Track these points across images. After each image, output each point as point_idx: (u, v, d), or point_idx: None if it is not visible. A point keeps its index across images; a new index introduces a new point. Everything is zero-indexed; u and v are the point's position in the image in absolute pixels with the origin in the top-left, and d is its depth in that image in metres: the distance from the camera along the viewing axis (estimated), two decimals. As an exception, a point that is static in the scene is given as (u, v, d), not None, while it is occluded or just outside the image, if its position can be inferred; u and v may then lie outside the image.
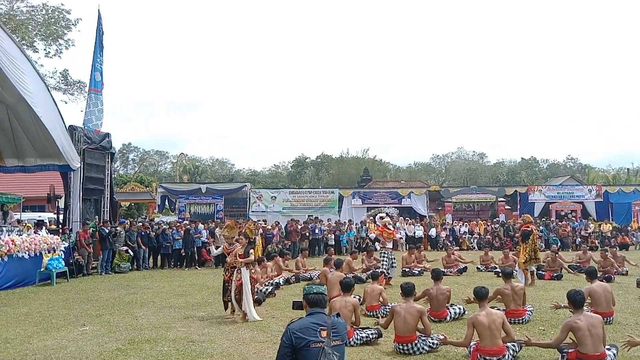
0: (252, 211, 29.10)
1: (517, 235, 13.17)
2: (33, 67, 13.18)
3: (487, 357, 5.80)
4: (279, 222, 22.76)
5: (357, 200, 30.23)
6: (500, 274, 12.75)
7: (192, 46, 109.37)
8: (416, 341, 6.34)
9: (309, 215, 25.55)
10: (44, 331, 7.74)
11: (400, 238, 21.87)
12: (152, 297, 11.03)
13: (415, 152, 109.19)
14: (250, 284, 8.46)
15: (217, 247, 10.24)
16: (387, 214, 12.58)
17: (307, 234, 21.07)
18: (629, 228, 26.17)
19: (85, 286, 12.83)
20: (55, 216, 19.49)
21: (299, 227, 21.27)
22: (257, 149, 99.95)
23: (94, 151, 17.45)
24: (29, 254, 12.63)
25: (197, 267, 17.16)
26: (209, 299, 10.63)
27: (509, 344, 5.93)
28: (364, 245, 20.43)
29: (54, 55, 24.15)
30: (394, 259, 12.10)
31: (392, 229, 12.76)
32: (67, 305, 9.87)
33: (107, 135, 18.26)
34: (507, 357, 5.82)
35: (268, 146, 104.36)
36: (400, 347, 6.36)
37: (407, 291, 6.76)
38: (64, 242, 14.42)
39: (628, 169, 49.99)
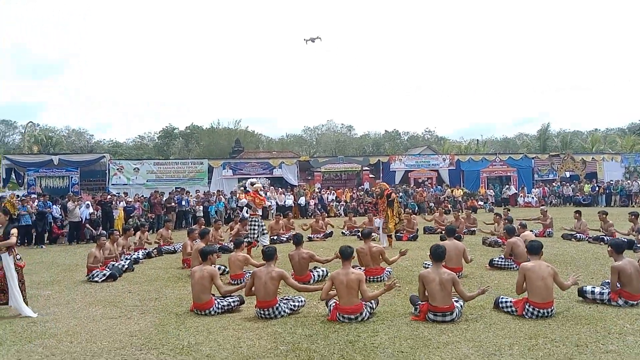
0: (113, 184, 27.18)
1: (376, 199, 13.76)
2: None
3: (346, 315, 5.97)
4: (142, 195, 21.53)
5: (228, 171, 29.68)
6: (360, 236, 13.40)
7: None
8: (277, 305, 6.31)
9: (175, 187, 24.54)
10: None
11: (270, 206, 21.99)
12: (-11, 278, 9.79)
13: (287, 124, 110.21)
14: (17, 273, 6.76)
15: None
16: (252, 183, 12.17)
17: (173, 206, 20.22)
18: (477, 193, 29.05)
19: None
20: None
21: (164, 199, 20.34)
22: (119, 120, 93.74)
23: None
24: None
25: (42, 245, 15.61)
26: (58, 277, 9.73)
27: (366, 303, 6.13)
28: (233, 216, 20.18)
29: None
30: (264, 226, 11.99)
31: (263, 195, 12.50)
32: None
33: None
34: (364, 314, 6.03)
35: (132, 117, 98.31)
36: (262, 312, 6.28)
37: (268, 255, 6.68)
38: None
39: (477, 140, 55.15)
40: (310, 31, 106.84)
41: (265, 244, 10.92)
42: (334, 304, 6.15)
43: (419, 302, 6.18)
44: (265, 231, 11.74)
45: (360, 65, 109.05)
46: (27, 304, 6.81)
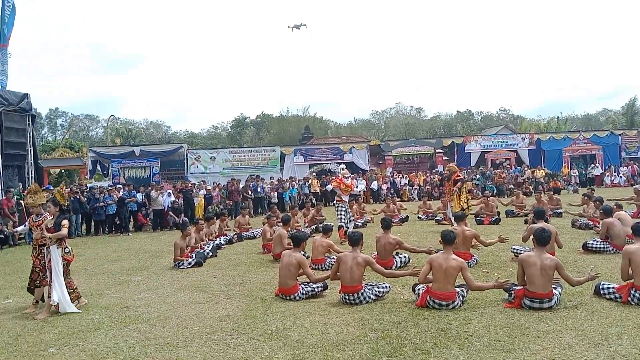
0: (191, 173, 28.20)
1: (443, 181, 13.38)
2: None
3: (437, 301, 5.75)
4: (219, 183, 22.15)
5: (299, 158, 29.91)
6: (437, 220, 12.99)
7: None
8: (362, 290, 6.19)
9: (250, 175, 25.05)
10: (-40, 306, 7.05)
11: (361, 191, 21.85)
12: (84, 264, 10.39)
13: (355, 109, 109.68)
14: (63, 267, 6.50)
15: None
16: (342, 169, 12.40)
17: (249, 193, 20.65)
18: (560, 173, 27.49)
19: (11, 257, 12.01)
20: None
21: (240, 186, 20.79)
22: (194, 111, 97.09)
23: (13, 113, 16.07)
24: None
25: (128, 233, 16.40)
26: (146, 263, 10.15)
27: (458, 290, 5.87)
28: (306, 202, 20.34)
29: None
30: (350, 212, 11.98)
31: (350, 181, 12.42)
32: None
33: (26, 95, 16.83)
34: (456, 302, 5.78)
35: (206, 107, 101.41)
36: (347, 297, 6.18)
37: (354, 240, 6.56)
38: (-16, 211, 13.31)
39: (558, 117, 52.14)
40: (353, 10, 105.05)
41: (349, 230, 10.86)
42: (424, 288, 5.94)
43: (514, 287, 5.86)
44: (351, 218, 11.73)
45: (429, 45, 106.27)
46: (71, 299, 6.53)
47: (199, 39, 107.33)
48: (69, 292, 6.49)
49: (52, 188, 16.70)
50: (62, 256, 6.47)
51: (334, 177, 12.04)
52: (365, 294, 6.19)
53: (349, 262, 6.25)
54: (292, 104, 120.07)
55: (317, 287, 6.66)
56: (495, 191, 22.90)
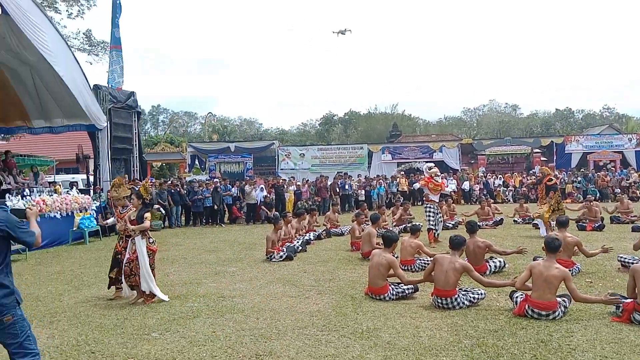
0: (281, 169, 28.96)
1: (536, 185, 12.50)
2: (52, 25, 12.91)
3: (536, 310, 5.46)
4: (307, 179, 22.53)
5: (387, 156, 29.69)
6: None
7: (215, 3, 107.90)
8: (456, 295, 6.00)
9: (338, 172, 25.23)
10: (75, 289, 7.72)
11: (452, 191, 21.14)
12: (184, 253, 11.00)
13: (445, 106, 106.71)
14: (149, 257, 6.68)
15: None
16: (429, 167, 11.63)
17: (337, 190, 20.82)
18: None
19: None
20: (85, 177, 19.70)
21: (329, 183, 21.02)
22: (284, 108, 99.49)
23: (120, 110, 17.32)
24: (60, 214, 12.72)
25: (221, 224, 17.14)
26: (240, 255, 10.54)
27: (560, 300, 5.54)
28: (394, 201, 20.14)
29: (76, 16, 23.84)
30: (439, 213, 11.39)
31: (440, 180, 11.90)
32: (98, 264, 9.88)
33: (132, 94, 18.07)
34: (557, 313, 5.46)
35: (295, 105, 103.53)
36: (439, 300, 6.02)
37: (456, 244, 6.36)
38: (94, 201, 14.51)
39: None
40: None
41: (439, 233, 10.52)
42: (522, 296, 5.66)
43: (623, 300, 5.41)
44: (441, 219, 11.24)
45: (524, 41, 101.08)
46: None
47: (289, 39, 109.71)
48: None
49: (153, 180, 17.80)
50: (147, 246, 6.69)
51: (426, 176, 11.46)
52: (459, 300, 6.00)
53: (445, 265, 6.08)
54: (379, 101, 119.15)
55: (408, 289, 6.56)
56: (598, 195, 21.39)
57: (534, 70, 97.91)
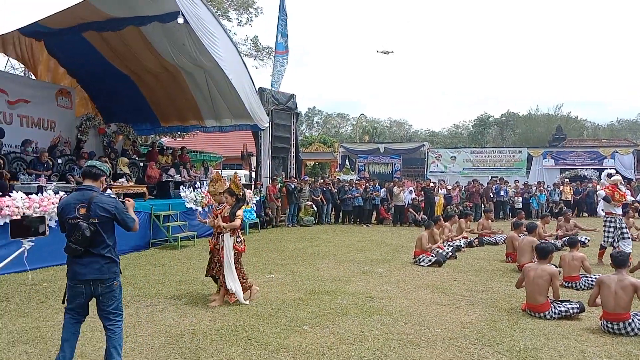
0: (430, 171, 28.36)
1: None
2: (225, 33, 14.10)
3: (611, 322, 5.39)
4: (459, 183, 21.75)
5: (549, 161, 27.45)
6: None
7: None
8: (630, 320, 5.33)
9: (492, 177, 23.96)
10: (235, 276, 8.32)
11: (636, 202, 18.88)
12: (333, 250, 11.31)
13: (619, 108, 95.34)
14: (234, 256, 6.47)
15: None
16: (609, 175, 10.05)
17: (491, 196, 19.80)
18: None
19: (273, 237, 13.70)
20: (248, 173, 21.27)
21: (482, 188, 20.07)
22: (435, 109, 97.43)
23: (281, 112, 18.38)
24: (225, 206, 13.85)
25: (367, 225, 17.29)
26: (387, 256, 10.53)
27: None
28: (556, 210, 18.59)
29: (245, 23, 25.76)
30: (625, 227, 9.69)
31: (624, 190, 10.36)
32: (257, 254, 10.57)
33: (292, 96, 19.06)
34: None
35: (447, 106, 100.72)
36: (610, 325, 5.40)
37: (619, 262, 5.70)
38: (255, 196, 15.60)
39: None
40: None
41: (627, 250, 9.02)
42: None
43: None
44: (626, 235, 9.60)
45: None
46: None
47: (439, 37, 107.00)
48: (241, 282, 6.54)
49: (307, 179, 18.60)
50: (233, 245, 6.47)
51: (606, 184, 9.95)
52: (633, 325, 5.33)
53: (612, 286, 5.45)
54: (542, 101, 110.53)
55: (572, 308, 5.98)
56: None
57: None
